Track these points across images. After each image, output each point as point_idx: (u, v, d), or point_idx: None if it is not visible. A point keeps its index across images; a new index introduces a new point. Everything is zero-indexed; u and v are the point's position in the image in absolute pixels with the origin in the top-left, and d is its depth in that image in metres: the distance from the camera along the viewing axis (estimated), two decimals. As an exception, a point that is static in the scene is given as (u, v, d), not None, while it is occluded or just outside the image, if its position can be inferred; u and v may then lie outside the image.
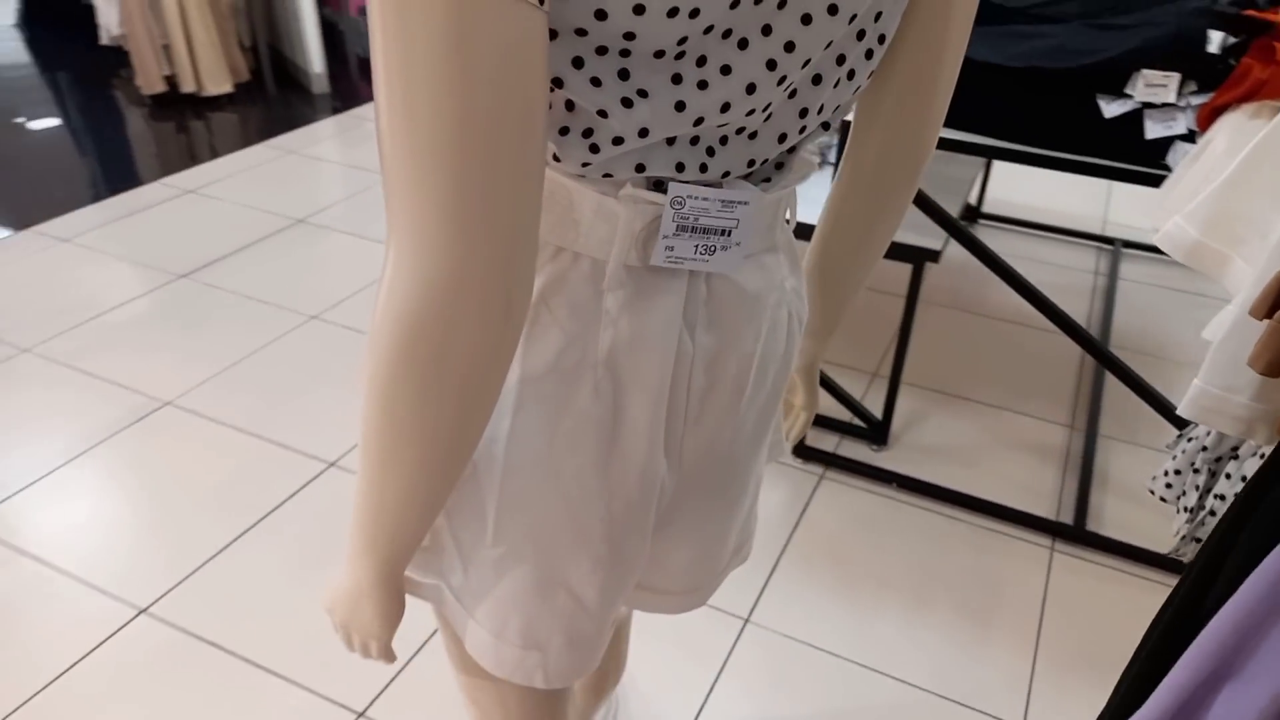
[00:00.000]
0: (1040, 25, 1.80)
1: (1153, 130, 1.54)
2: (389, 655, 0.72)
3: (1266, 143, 0.93)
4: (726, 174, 0.63)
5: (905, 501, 2.01)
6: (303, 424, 2.16)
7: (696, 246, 0.64)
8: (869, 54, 0.63)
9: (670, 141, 0.59)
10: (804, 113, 0.62)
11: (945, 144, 1.75)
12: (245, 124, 4.02)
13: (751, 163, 0.63)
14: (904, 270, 1.97)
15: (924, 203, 1.86)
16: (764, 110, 0.60)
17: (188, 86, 4.07)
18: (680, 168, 0.60)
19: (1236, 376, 0.88)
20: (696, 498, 0.76)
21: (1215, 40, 1.55)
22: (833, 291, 0.86)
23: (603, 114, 0.55)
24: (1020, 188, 3.48)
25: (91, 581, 1.73)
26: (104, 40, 4.26)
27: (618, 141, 0.57)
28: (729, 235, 0.64)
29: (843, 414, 2.20)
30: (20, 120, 3.95)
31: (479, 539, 0.69)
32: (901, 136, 0.74)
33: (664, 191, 0.61)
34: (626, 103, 0.55)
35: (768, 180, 0.67)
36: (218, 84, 4.14)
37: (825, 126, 0.67)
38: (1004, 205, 3.35)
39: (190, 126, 3.95)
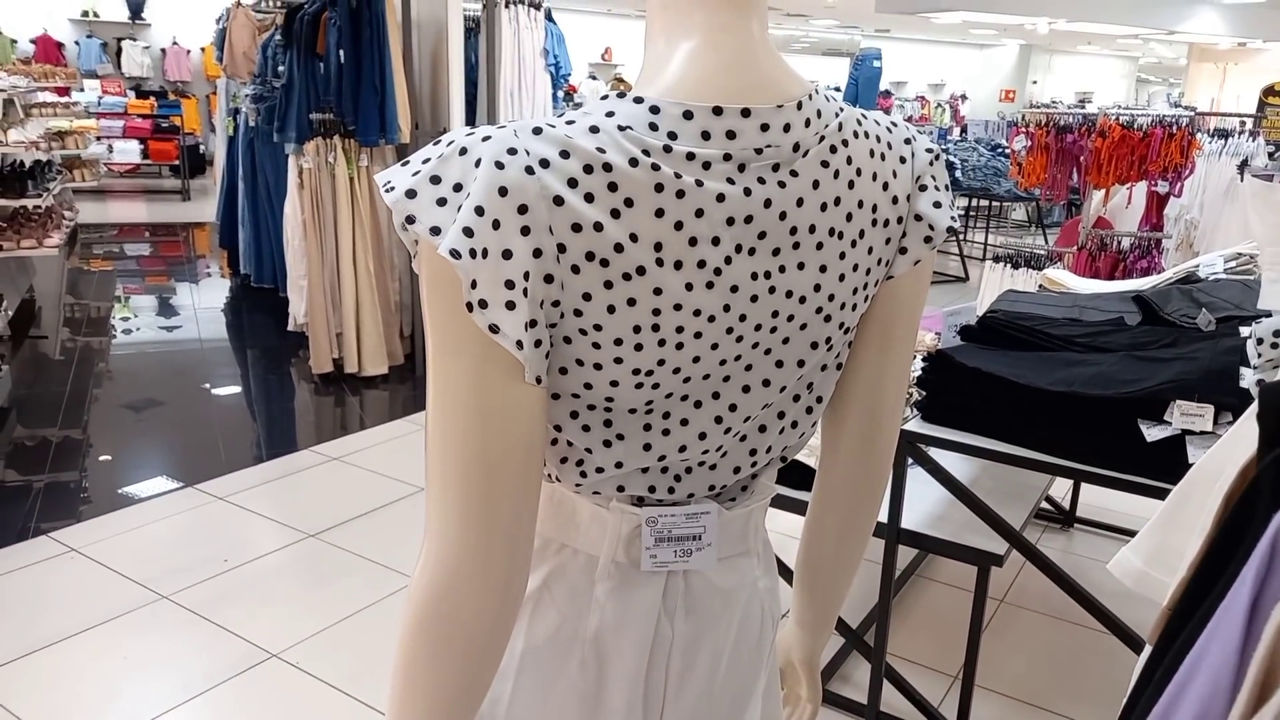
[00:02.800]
0: (1090, 354, 1.95)
1: (1195, 455, 1.61)
2: None
3: (1194, 478, 1.02)
4: (691, 495, 0.79)
5: (979, 824, 1.91)
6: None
7: (675, 551, 0.79)
8: (809, 410, 0.80)
9: (644, 470, 0.76)
10: (754, 452, 0.79)
11: (1002, 458, 1.85)
12: (393, 401, 4.52)
13: (712, 488, 0.79)
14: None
15: (984, 512, 1.94)
16: (716, 450, 0.77)
17: (351, 368, 4.65)
18: (652, 489, 0.77)
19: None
20: None
21: (1249, 377, 1.65)
22: (818, 589, 0.98)
23: (589, 450, 0.73)
24: (1117, 494, 3.45)
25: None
26: (291, 326, 4.99)
27: (600, 470, 0.74)
28: (700, 539, 0.79)
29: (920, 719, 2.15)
30: (206, 386, 4.58)
31: None
32: (855, 475, 0.89)
33: (644, 505, 0.78)
34: (606, 443, 0.73)
35: (733, 500, 0.83)
36: (376, 366, 4.71)
37: (783, 460, 0.83)
38: (1101, 511, 3.30)
39: (347, 401, 4.47)
